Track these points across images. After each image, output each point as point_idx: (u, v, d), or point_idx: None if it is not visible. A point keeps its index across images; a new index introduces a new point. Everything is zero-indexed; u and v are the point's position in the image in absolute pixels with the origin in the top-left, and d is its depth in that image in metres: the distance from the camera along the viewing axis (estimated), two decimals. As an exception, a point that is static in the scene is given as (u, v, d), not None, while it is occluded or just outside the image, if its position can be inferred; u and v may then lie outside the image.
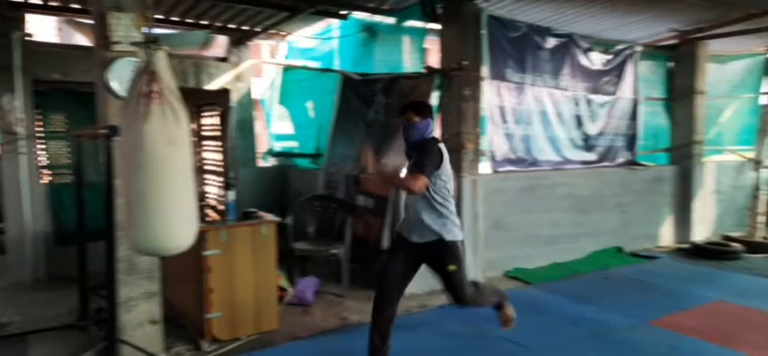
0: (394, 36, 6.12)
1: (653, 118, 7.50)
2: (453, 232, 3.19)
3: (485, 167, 5.61)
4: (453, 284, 3.19)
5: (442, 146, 3.19)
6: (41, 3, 5.32)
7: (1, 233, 5.80)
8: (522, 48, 5.93)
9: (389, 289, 3.19)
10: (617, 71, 6.94)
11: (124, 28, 3.30)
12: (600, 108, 6.81)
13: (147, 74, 2.50)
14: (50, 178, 5.74)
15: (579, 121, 6.61)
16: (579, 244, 6.42)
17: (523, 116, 6.03)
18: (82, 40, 6.30)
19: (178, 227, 2.61)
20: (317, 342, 3.94)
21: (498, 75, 5.72)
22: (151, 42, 2.57)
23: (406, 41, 6.03)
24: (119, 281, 3.39)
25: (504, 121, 5.85)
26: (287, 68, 7.37)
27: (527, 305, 4.79)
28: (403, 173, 3.24)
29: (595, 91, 6.74)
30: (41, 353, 3.72)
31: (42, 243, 5.56)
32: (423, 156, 3.06)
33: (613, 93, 6.92)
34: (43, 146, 5.69)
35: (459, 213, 5.08)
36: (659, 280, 5.64)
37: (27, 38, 5.49)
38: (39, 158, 5.62)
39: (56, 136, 5.75)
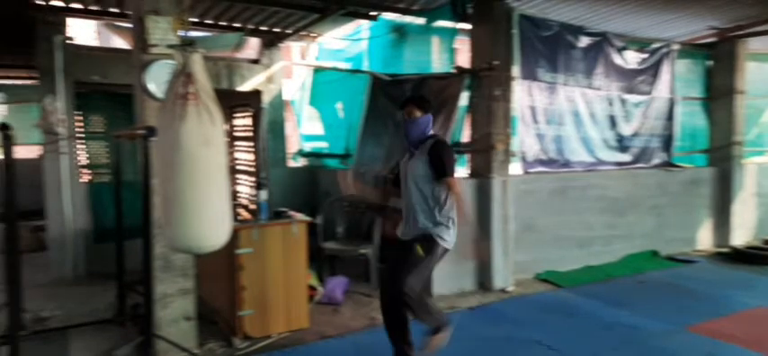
0: (423, 36, 6.11)
1: (690, 118, 7.30)
2: (443, 236, 3.14)
3: (515, 168, 5.55)
4: (408, 266, 3.08)
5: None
6: (82, 7, 5.49)
7: (43, 230, 6.02)
8: (554, 48, 5.85)
9: (387, 289, 3.20)
10: (653, 70, 6.78)
11: (161, 31, 3.37)
12: (635, 108, 6.66)
13: (183, 76, 2.55)
14: (90, 177, 5.91)
15: (613, 122, 6.48)
16: (613, 247, 6.29)
17: (555, 116, 5.94)
18: (120, 43, 6.51)
19: (213, 226, 2.65)
20: (347, 341, 3.97)
21: (529, 75, 5.66)
22: (187, 45, 2.62)
23: (436, 42, 6.00)
24: (155, 278, 3.48)
25: (536, 122, 5.78)
26: (317, 70, 7.43)
27: (559, 308, 4.74)
28: (417, 170, 3.19)
29: (630, 90, 6.60)
30: (81, 347, 3.84)
31: (82, 240, 5.73)
32: (443, 159, 3.10)
33: (649, 93, 6.75)
34: (83, 147, 5.87)
35: (488, 214, 5.13)
36: (697, 284, 5.47)
37: (68, 41, 5.67)
38: (79, 158, 5.80)
39: (95, 136, 5.93)
